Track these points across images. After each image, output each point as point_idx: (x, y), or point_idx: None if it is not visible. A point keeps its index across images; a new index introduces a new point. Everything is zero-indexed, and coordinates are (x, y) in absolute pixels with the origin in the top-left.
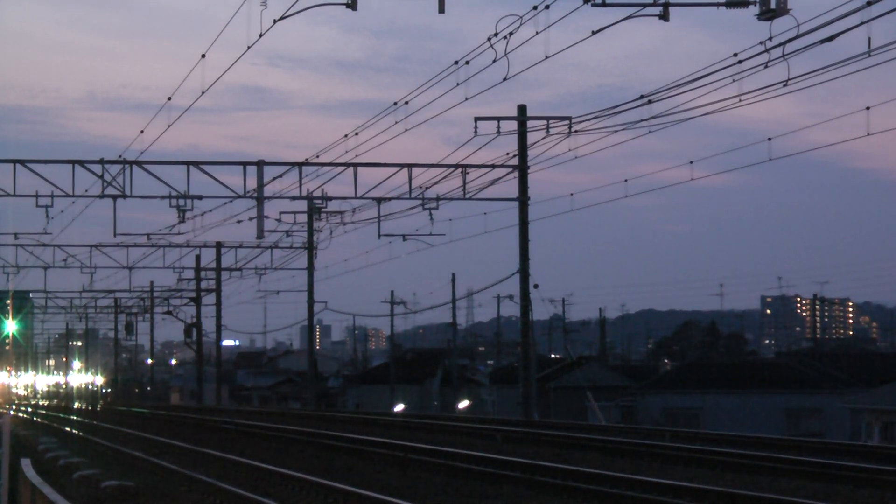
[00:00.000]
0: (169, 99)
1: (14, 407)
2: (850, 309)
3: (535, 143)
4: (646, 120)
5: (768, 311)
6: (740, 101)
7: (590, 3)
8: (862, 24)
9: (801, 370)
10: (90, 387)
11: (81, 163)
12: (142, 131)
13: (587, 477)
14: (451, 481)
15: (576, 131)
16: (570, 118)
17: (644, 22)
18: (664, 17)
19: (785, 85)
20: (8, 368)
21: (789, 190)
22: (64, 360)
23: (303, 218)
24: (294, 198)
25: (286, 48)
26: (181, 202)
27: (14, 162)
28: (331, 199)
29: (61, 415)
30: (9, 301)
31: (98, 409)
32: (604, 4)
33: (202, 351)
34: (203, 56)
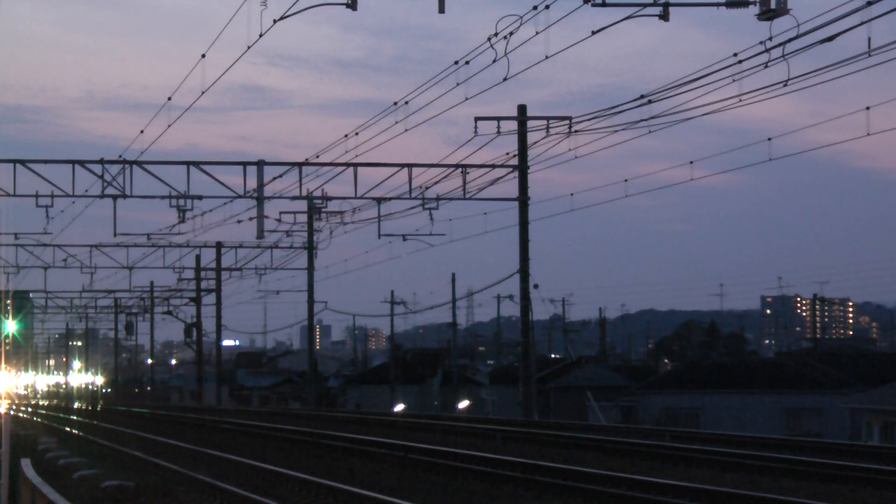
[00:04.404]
0: (169, 99)
1: (14, 407)
2: (850, 309)
3: (535, 143)
4: (646, 120)
5: (768, 311)
6: (740, 101)
7: (590, 3)
8: (862, 24)
9: (801, 370)
10: (90, 387)
11: (81, 163)
12: (142, 131)
13: (587, 477)
14: (451, 481)
15: (576, 131)
16: (570, 118)
17: (644, 22)
18: (664, 17)
19: (785, 85)
20: (8, 369)
21: (789, 190)
22: (64, 360)
23: (303, 218)
24: (294, 198)
25: (285, 47)
26: (181, 202)
27: (14, 162)
28: (331, 199)
29: (61, 415)
30: (9, 301)
31: (98, 409)
32: (604, 4)
33: (202, 351)
34: (203, 56)
